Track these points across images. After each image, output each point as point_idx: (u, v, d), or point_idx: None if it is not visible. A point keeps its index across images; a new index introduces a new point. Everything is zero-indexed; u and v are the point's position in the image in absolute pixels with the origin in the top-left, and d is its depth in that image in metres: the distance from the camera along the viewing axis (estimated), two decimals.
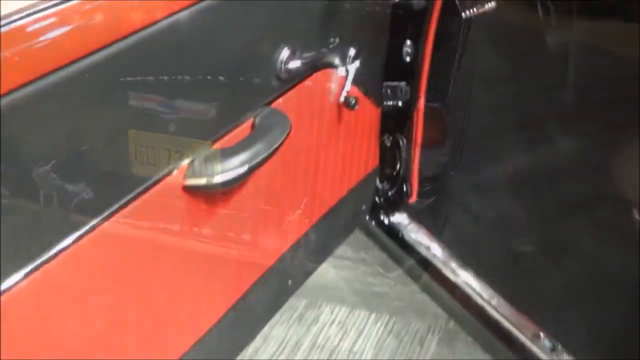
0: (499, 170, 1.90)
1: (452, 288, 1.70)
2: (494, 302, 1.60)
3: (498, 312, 1.57)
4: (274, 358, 1.89)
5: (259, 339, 1.94)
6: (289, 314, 2.02)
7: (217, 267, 1.29)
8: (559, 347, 1.47)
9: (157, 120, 1.07)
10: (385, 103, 1.76)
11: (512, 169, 1.90)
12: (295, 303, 2.04)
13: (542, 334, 1.49)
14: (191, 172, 1.13)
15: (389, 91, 1.78)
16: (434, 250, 1.77)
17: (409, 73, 1.75)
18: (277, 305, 1.60)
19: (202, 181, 1.13)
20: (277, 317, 1.99)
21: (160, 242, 1.14)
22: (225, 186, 1.16)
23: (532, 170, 1.88)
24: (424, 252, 1.79)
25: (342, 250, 2.18)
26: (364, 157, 1.72)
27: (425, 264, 1.79)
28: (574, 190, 1.78)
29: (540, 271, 1.66)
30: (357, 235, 2.12)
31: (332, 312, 2.04)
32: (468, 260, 1.70)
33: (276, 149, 1.22)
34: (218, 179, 1.14)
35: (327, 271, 2.15)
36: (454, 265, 1.72)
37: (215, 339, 1.33)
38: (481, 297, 1.62)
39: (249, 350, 1.91)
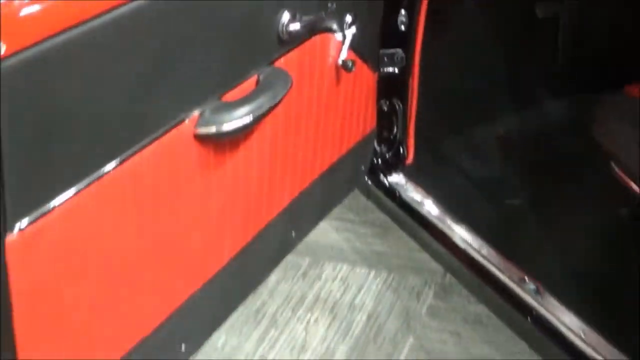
0: (490, 131, 2.03)
1: (447, 242, 1.81)
2: (484, 251, 1.71)
3: (486, 259, 1.69)
4: (279, 312, 2.03)
5: (265, 294, 2.07)
6: (293, 272, 2.15)
7: (225, 214, 1.41)
8: (543, 289, 1.59)
9: (171, 74, 1.19)
10: (381, 69, 1.88)
11: (503, 129, 2.02)
12: (300, 262, 2.17)
13: (526, 278, 1.61)
14: (202, 121, 1.25)
15: (385, 58, 1.90)
16: (430, 207, 1.88)
17: (405, 41, 1.87)
18: (282, 254, 1.72)
19: (212, 129, 1.25)
20: (282, 274, 2.13)
21: (172, 187, 1.27)
22: (233, 134, 1.28)
23: (522, 130, 2.00)
24: (420, 210, 1.89)
25: (344, 213, 2.31)
26: (361, 120, 1.83)
27: (422, 222, 1.89)
28: (561, 149, 1.91)
29: (527, 223, 1.78)
30: (358, 200, 2.23)
31: (334, 270, 2.16)
32: (461, 215, 1.82)
33: (278, 102, 1.33)
34: (226, 127, 1.25)
35: (329, 233, 2.27)
36: (448, 220, 1.83)
37: (222, 283, 1.45)
38: (472, 247, 1.73)
39: (256, 304, 2.05)
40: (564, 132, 1.94)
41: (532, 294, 1.59)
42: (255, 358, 1.89)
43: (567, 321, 1.52)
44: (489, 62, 2.04)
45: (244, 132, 1.33)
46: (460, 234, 1.79)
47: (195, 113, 1.25)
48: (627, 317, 1.52)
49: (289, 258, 2.09)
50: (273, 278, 2.10)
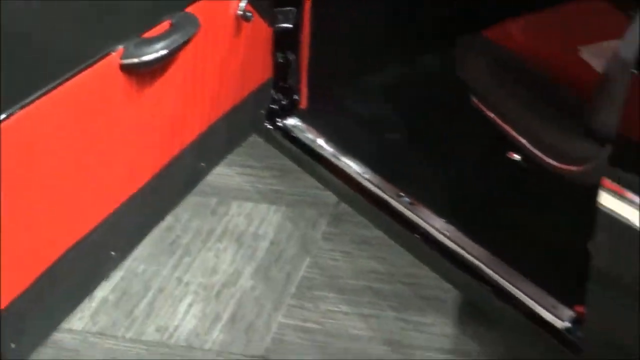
0: (374, 78, 2.33)
1: (339, 172, 2.08)
2: (369, 177, 2.01)
3: (371, 183, 1.98)
4: (191, 243, 2.28)
5: (178, 229, 2.32)
6: (202, 210, 2.40)
7: (145, 136, 1.66)
8: (416, 201, 1.90)
9: (99, 14, 1.46)
10: (276, 25, 2.15)
11: (385, 76, 2.33)
12: (208, 202, 2.42)
13: (402, 193, 1.92)
14: (126, 54, 1.50)
15: (279, 15, 2.17)
16: (323, 145, 2.15)
17: (296, 1, 2.15)
18: (194, 181, 1.97)
19: (134, 60, 1.50)
20: (192, 212, 2.37)
21: (101, 110, 1.51)
22: (151, 65, 1.53)
23: (401, 75, 2.32)
24: (314, 147, 2.17)
25: (246, 161, 2.57)
26: (259, 68, 2.09)
27: (317, 158, 2.17)
28: (432, 89, 2.23)
29: (404, 150, 2.09)
30: (258, 149, 2.51)
31: (239, 207, 2.42)
32: (349, 149, 2.11)
33: (189, 40, 1.60)
34: (146, 58, 1.51)
35: (233, 177, 2.53)
36: (339, 155, 2.12)
37: (143, 199, 1.70)
38: (360, 175, 2.03)
39: (171, 238, 2.29)
40: (435, 75, 2.27)
41: (407, 205, 1.89)
42: (172, 279, 2.15)
43: (435, 224, 1.83)
44: (372, 19, 2.34)
45: (161, 65, 1.59)
46: (350, 165, 2.08)
47: (121, 47, 1.50)
48: (483, 216, 1.85)
49: (198, 199, 2.37)
50: (184, 216, 2.35)
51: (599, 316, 1.46)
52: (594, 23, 1.94)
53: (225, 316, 2.04)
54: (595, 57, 1.80)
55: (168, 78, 1.64)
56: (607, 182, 1.30)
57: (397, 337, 1.95)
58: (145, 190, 1.70)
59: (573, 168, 1.62)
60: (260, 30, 2.04)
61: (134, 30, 1.53)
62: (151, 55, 1.52)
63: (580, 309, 1.55)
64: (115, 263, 1.74)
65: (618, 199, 1.28)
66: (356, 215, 2.29)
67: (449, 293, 2.04)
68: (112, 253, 1.69)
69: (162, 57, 1.55)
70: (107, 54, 1.48)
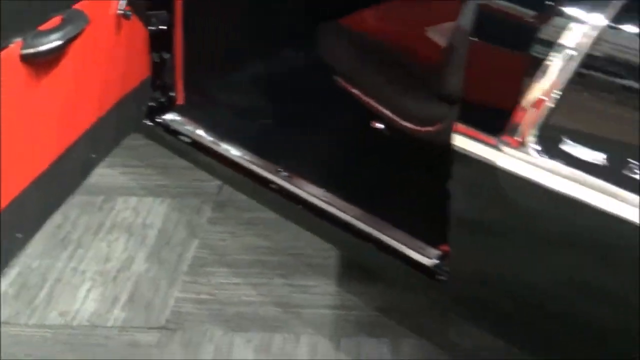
0: (246, 72, 2.53)
1: (221, 159, 2.25)
2: (248, 158, 2.19)
3: (252, 163, 2.16)
4: (83, 236, 2.39)
5: (68, 226, 2.43)
6: (90, 207, 2.51)
7: (43, 123, 1.79)
8: (292, 174, 2.10)
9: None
10: (149, 28, 2.31)
11: (255, 69, 2.53)
12: (94, 200, 2.53)
13: (280, 169, 2.11)
14: (25, 45, 1.63)
15: (152, 18, 2.33)
16: (203, 135, 2.32)
17: (167, 3, 2.31)
18: (86, 171, 2.09)
19: (31, 50, 1.65)
20: (80, 210, 2.48)
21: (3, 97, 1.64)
22: (47, 54, 1.67)
23: (272, 69, 2.53)
24: (195, 138, 2.33)
25: (129, 160, 2.70)
26: (139, 66, 2.25)
27: (199, 147, 2.33)
28: (302, 80, 2.45)
29: (277, 132, 2.29)
30: (139, 150, 2.66)
31: (125, 202, 2.54)
32: (228, 136, 2.28)
33: (79, 33, 1.75)
34: (42, 48, 1.66)
35: (118, 177, 2.66)
36: (219, 142, 2.28)
37: (43, 185, 1.82)
38: (238, 157, 2.20)
39: (61, 234, 2.40)
40: (300, 63, 2.50)
41: (284, 178, 2.09)
42: (67, 270, 2.26)
43: (312, 192, 2.03)
44: (238, 18, 2.54)
45: (56, 56, 1.73)
46: (230, 150, 2.25)
47: (20, 39, 1.64)
48: (354, 179, 2.07)
49: (85, 198, 2.49)
50: (73, 214, 2.46)
51: (460, 250, 1.70)
52: (436, 8, 2.21)
53: (124, 297, 2.17)
54: (439, 35, 2.06)
55: (62, 69, 1.78)
56: (459, 126, 1.54)
57: (286, 300, 2.15)
58: (42, 178, 1.83)
59: (430, 129, 1.86)
60: (139, 31, 2.20)
61: (31, 24, 1.67)
62: (47, 45, 1.67)
63: (445, 247, 1.79)
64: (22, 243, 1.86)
65: (469, 139, 1.52)
66: (238, 200, 2.49)
67: (330, 259, 2.27)
68: (18, 235, 1.80)
69: (58, 48, 1.69)
70: (8, 45, 1.61)
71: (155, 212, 2.50)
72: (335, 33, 2.15)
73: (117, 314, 2.11)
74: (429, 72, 1.90)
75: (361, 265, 2.18)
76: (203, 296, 2.16)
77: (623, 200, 1.32)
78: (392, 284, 2.14)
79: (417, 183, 2.00)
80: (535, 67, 1.39)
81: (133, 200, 2.54)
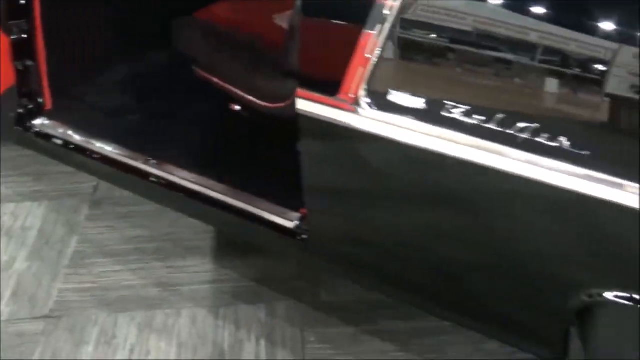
0: (111, 73, 2.63)
1: (97, 156, 2.33)
2: (117, 151, 2.29)
3: (125, 157, 2.26)
4: None
5: None
6: None
7: None
8: (161, 161, 2.21)
9: None
10: (11, 37, 2.38)
11: (121, 72, 2.64)
12: None
13: (150, 159, 2.22)
14: None
15: (13, 28, 2.41)
16: (74, 135, 2.40)
17: (26, 13, 2.40)
18: None
19: None
20: None
21: None
22: None
23: (136, 71, 2.64)
24: (68, 139, 2.40)
25: (4, 171, 2.75)
26: (2, 75, 2.34)
27: (72, 148, 2.41)
28: (165, 76, 2.58)
29: (145, 125, 2.40)
30: (13, 162, 2.73)
31: (2, 209, 2.60)
32: (99, 135, 2.37)
33: None
34: None
35: None
36: (91, 141, 2.37)
37: None
38: (110, 152, 2.30)
39: None
40: (162, 59, 2.62)
41: (155, 166, 2.20)
42: None
43: (181, 175, 2.15)
44: (101, 23, 2.64)
45: None
46: (102, 147, 2.34)
47: None
48: (219, 159, 2.20)
49: None
50: None
51: (312, 207, 1.85)
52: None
53: (8, 294, 2.23)
54: (285, 21, 2.23)
55: None
56: (300, 92, 1.69)
57: (165, 280, 2.25)
58: None
59: (281, 104, 2.02)
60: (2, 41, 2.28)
61: None
62: None
63: (304, 210, 1.94)
64: None
65: (309, 101, 1.68)
66: (115, 197, 2.59)
67: (206, 240, 2.39)
68: None
69: None
70: None
71: (33, 215, 2.56)
72: (190, 27, 2.29)
73: (2, 310, 2.17)
74: (277, 53, 2.06)
75: (236, 241, 2.33)
76: (85, 285, 2.24)
77: (452, 140, 1.50)
78: (266, 255, 2.29)
79: (275, 155, 2.15)
80: (357, 32, 1.56)
81: (10, 206, 2.60)
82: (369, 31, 1.54)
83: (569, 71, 1.36)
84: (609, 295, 1.41)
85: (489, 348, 1.96)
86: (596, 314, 1.50)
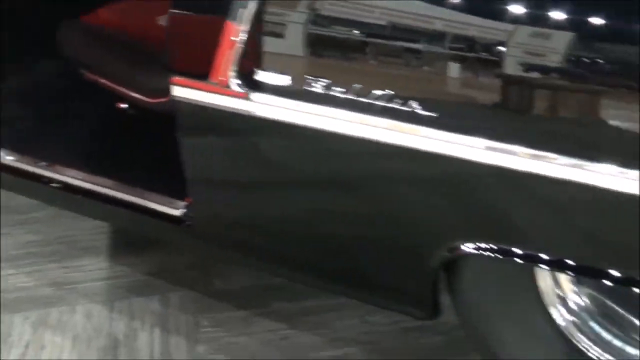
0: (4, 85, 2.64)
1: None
2: (10, 157, 2.31)
3: (18, 161, 2.26)
4: None
5: None
6: None
7: None
8: (52, 163, 2.23)
9: None
10: None
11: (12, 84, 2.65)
12: None
13: (43, 163, 2.24)
14: None
15: None
16: None
17: None
18: None
19: None
20: None
21: None
22: None
23: (26, 80, 2.66)
24: None
25: None
26: None
27: None
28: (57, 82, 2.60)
29: (37, 131, 2.42)
30: None
31: None
32: None
33: None
34: None
35: None
36: None
37: None
38: (9, 159, 2.31)
39: None
40: (51, 67, 2.65)
41: (47, 169, 2.21)
42: None
43: (74, 175, 2.16)
44: None
45: None
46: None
47: None
48: (108, 156, 2.24)
49: None
50: None
51: (194, 195, 1.90)
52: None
53: None
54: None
55: None
56: (174, 79, 1.76)
57: (61, 280, 2.27)
58: None
59: (164, 99, 2.08)
60: None
61: None
62: None
63: (189, 199, 2.00)
64: None
65: (182, 87, 1.74)
66: (10, 207, 2.58)
67: (101, 240, 2.42)
68: None
69: None
70: None
71: None
72: (77, 30, 2.34)
73: None
74: (160, 51, 2.12)
75: (131, 239, 2.38)
76: None
77: (314, 113, 1.57)
78: (160, 250, 2.33)
79: (161, 148, 2.19)
80: (223, 18, 1.63)
81: None
82: (235, 15, 1.62)
83: (412, 38, 1.46)
84: (469, 247, 1.50)
85: (374, 320, 2.04)
86: (460, 268, 1.60)
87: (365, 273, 1.75)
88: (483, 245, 1.49)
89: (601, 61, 1.29)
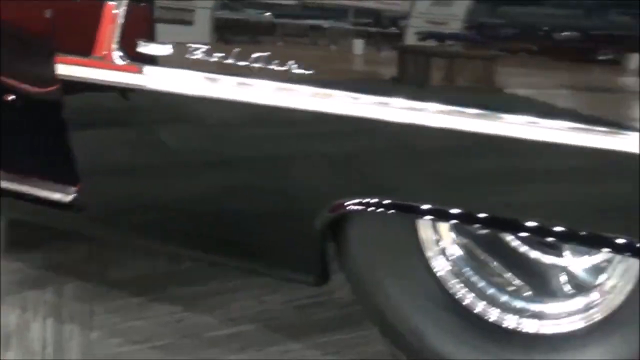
0: None
1: None
2: None
3: None
4: None
5: None
6: None
7: None
8: None
9: None
10: None
11: None
12: None
13: None
14: None
15: None
16: None
17: None
18: None
19: None
20: None
21: None
22: None
23: None
24: None
25: None
26: None
27: None
28: None
29: None
30: None
31: None
32: None
33: None
34: None
35: None
36: None
37: None
38: None
39: None
40: None
41: None
42: None
43: None
44: None
45: None
46: None
47: None
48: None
49: None
50: None
51: (84, 179, 1.89)
52: None
53: None
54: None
55: None
56: (58, 58, 1.75)
57: None
58: None
59: (51, 88, 2.06)
60: None
61: None
62: None
63: (78, 185, 1.98)
64: None
65: (66, 65, 1.74)
66: None
67: None
68: None
69: None
70: None
71: None
72: None
73: None
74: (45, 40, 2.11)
75: (26, 234, 2.35)
76: None
77: (197, 80, 1.59)
78: (55, 243, 2.31)
79: (52, 137, 2.18)
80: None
81: None
82: None
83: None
84: (351, 204, 1.53)
85: (269, 299, 2.06)
86: (345, 229, 1.62)
87: (256, 243, 1.75)
88: (364, 200, 1.52)
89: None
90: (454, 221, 1.49)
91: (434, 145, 1.41)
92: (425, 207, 1.46)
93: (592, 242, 1.38)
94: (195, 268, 2.18)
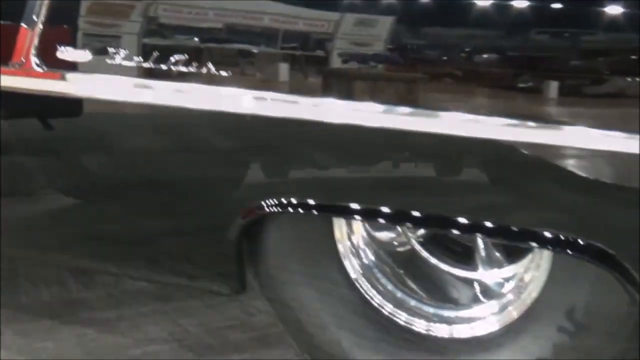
0: None
1: None
2: None
3: None
4: None
5: None
6: None
7: None
8: None
9: None
10: None
11: None
12: None
13: None
14: None
15: None
16: None
17: None
18: None
19: None
20: None
21: None
22: None
23: None
24: None
25: None
26: None
27: None
28: None
29: None
30: None
31: None
32: None
33: None
34: None
35: None
36: None
37: None
38: None
39: None
40: None
41: None
42: None
43: None
44: None
45: None
46: None
47: None
48: None
49: None
50: None
51: None
52: None
53: None
54: None
55: None
56: None
57: None
58: None
59: None
60: None
61: None
62: None
63: None
64: None
65: None
66: None
67: None
68: None
69: None
70: None
71: None
72: None
73: None
74: None
75: None
76: None
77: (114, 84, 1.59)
78: None
79: None
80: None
81: None
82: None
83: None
84: (265, 207, 1.53)
85: (185, 322, 2.03)
86: (260, 235, 1.63)
87: (174, 254, 1.74)
88: (278, 201, 1.52)
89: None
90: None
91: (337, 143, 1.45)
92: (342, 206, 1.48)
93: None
94: (107, 295, 2.15)
